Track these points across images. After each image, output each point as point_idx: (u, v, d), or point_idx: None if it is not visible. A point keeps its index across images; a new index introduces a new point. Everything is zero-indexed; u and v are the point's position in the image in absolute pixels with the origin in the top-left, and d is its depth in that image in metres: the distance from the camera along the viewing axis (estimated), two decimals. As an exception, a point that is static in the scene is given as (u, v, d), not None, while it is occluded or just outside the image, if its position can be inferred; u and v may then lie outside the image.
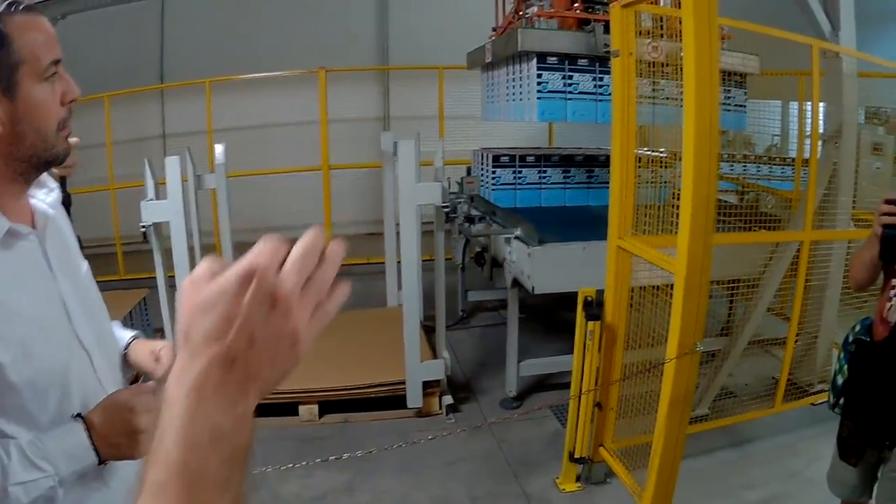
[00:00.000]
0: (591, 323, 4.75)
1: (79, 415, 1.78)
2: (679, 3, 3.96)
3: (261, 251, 0.85)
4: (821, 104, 5.77)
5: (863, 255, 3.48)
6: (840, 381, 3.63)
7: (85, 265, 2.08)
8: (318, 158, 10.28)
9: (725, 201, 5.92)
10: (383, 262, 8.51)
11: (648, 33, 4.58)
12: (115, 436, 1.79)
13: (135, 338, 2.28)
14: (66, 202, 2.92)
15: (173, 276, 5.93)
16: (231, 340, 0.82)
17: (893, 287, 3.36)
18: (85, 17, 9.43)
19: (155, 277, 6.14)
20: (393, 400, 6.14)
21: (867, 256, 3.40)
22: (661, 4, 4.71)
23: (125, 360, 2.21)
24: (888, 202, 3.17)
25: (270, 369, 0.87)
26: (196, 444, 0.81)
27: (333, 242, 0.92)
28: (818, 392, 6.20)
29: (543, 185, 8.07)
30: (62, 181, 2.82)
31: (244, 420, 0.86)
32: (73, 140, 2.60)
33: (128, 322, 6.81)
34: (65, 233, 2.02)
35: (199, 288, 0.84)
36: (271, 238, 0.86)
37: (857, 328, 3.61)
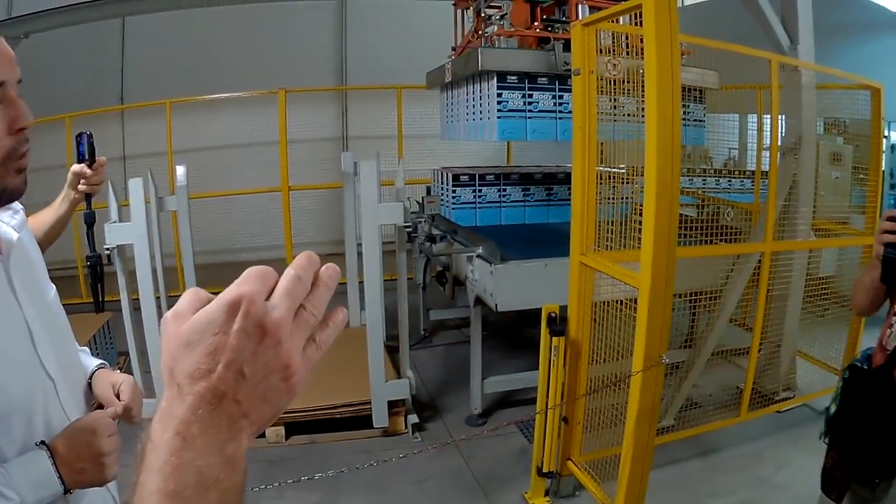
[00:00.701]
0: (555, 339, 4.77)
1: (42, 442, 1.75)
2: (639, 20, 3.99)
3: (247, 279, 0.82)
4: (780, 116, 5.84)
5: (864, 279, 3.24)
6: (833, 409, 3.42)
7: (52, 290, 2.03)
8: (278, 179, 10.24)
9: (685, 215, 5.99)
10: (345, 283, 8.48)
11: (608, 51, 4.62)
12: (79, 461, 1.77)
13: (100, 367, 2.23)
14: (91, 220, 2.90)
15: (137, 299, 5.88)
16: (218, 376, 0.78)
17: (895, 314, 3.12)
18: (47, 37, 9.38)
19: (118, 300, 6.06)
20: (359, 420, 6.13)
21: (868, 280, 3.18)
22: (621, 22, 4.74)
23: (89, 389, 2.17)
24: (890, 219, 2.92)
25: (263, 405, 0.82)
26: (180, 492, 0.76)
27: (327, 265, 0.88)
28: (782, 400, 6.29)
29: (503, 204, 8.12)
30: (87, 198, 2.80)
31: (235, 461, 0.81)
32: (100, 159, 2.58)
33: (92, 346, 6.75)
34: (32, 256, 1.97)
35: (182, 321, 0.80)
36: (258, 267, 0.83)
37: (859, 356, 3.40)
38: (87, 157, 2.70)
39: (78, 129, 8.18)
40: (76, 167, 2.69)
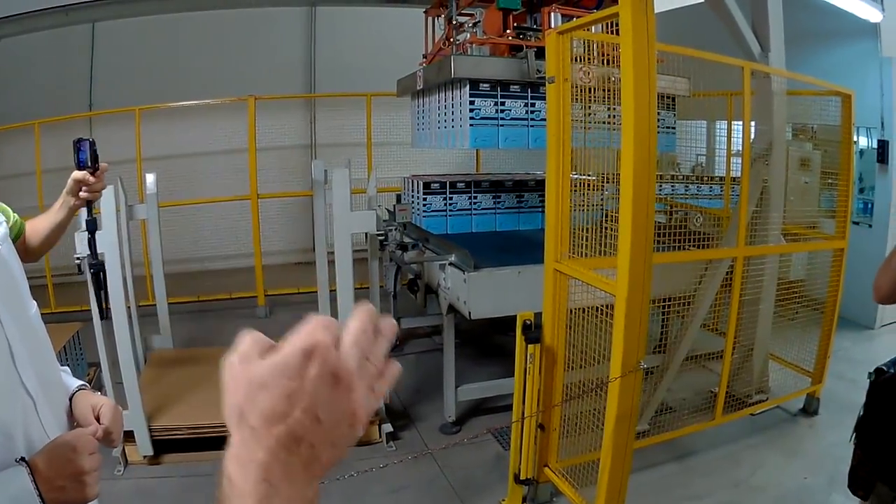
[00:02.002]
0: (530, 346, 4.77)
1: (23, 458, 1.72)
2: (614, 29, 4.00)
3: (316, 326, 0.83)
4: (751, 123, 5.88)
5: (892, 260, 3.00)
6: (863, 411, 3.38)
7: (34, 307, 2.02)
8: (247, 187, 10.20)
9: (656, 221, 6.01)
10: (315, 292, 8.42)
11: (580, 59, 4.63)
12: (59, 478, 1.75)
13: (80, 388, 2.21)
14: (93, 227, 2.86)
15: (108, 309, 5.81)
16: (296, 420, 0.80)
17: None
18: (17, 42, 9.29)
19: (88, 310, 5.97)
20: (332, 430, 6.07)
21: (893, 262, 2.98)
22: (593, 31, 4.76)
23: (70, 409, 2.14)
24: None
25: (332, 450, 0.84)
26: None
27: (385, 318, 0.91)
28: (756, 402, 6.33)
29: (474, 211, 8.13)
30: (88, 205, 2.75)
31: (314, 503, 0.83)
32: (103, 165, 2.54)
33: (62, 357, 6.68)
34: (13, 270, 1.94)
35: (250, 363, 0.81)
36: (321, 316, 0.84)
37: (888, 360, 3.32)
38: (89, 163, 2.65)
39: (47, 136, 8.01)
40: (78, 174, 2.63)
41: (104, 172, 2.71)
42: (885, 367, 3.29)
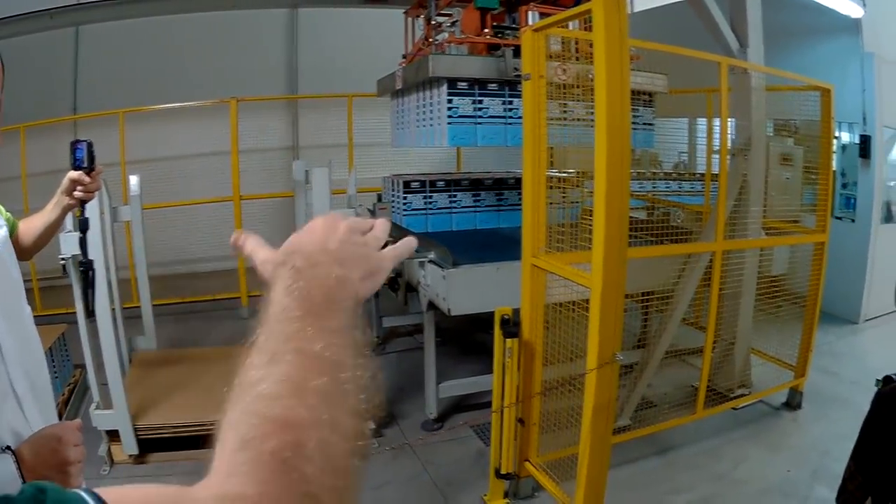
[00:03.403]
0: (509, 340, 4.79)
1: (8, 447, 1.74)
2: (588, 26, 4.04)
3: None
4: (730, 119, 5.90)
5: None
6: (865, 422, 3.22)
7: (28, 310, 2.04)
8: (230, 189, 10.21)
9: (635, 218, 6.03)
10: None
11: (556, 56, 4.65)
12: (43, 468, 1.77)
13: None
14: (85, 226, 2.88)
15: (94, 309, 5.81)
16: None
17: None
18: (1, 46, 9.27)
19: (73, 312, 5.94)
20: (315, 428, 6.07)
21: None
22: (570, 28, 4.79)
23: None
24: None
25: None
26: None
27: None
28: (738, 396, 6.35)
29: (454, 210, 8.16)
30: (82, 205, 2.77)
31: None
32: (98, 167, 2.57)
33: (47, 358, 6.65)
34: (11, 272, 1.98)
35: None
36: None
37: None
38: (86, 164, 2.67)
39: (31, 140, 7.97)
40: (73, 174, 2.64)
41: (99, 174, 2.74)
42: (894, 376, 3.16)
